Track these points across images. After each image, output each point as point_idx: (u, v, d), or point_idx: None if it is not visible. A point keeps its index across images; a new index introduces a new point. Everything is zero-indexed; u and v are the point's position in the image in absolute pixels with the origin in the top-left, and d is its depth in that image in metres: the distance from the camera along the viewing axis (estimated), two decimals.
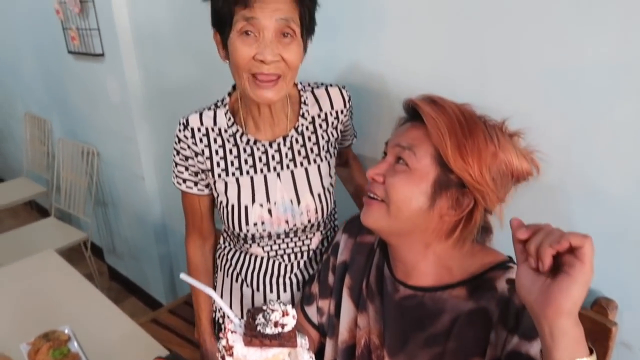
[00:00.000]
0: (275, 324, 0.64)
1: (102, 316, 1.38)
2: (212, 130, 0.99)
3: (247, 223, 0.99)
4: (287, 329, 0.65)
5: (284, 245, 1.05)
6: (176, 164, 1.03)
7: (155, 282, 2.54)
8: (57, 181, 2.82)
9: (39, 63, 2.78)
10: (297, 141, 1.00)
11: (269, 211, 0.99)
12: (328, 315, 0.98)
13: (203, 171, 1.01)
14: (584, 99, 0.85)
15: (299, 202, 1.00)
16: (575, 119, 0.87)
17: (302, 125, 1.00)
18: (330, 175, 1.04)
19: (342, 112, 1.03)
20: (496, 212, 0.78)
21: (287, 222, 1.00)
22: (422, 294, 0.81)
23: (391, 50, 1.12)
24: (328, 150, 1.03)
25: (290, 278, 1.08)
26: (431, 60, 1.05)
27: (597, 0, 0.79)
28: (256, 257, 1.08)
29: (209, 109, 1.00)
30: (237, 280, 1.12)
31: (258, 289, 1.09)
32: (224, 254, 1.16)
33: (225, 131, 0.99)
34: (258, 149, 0.99)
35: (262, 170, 0.99)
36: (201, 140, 0.98)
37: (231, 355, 0.65)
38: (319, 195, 1.01)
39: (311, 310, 1.01)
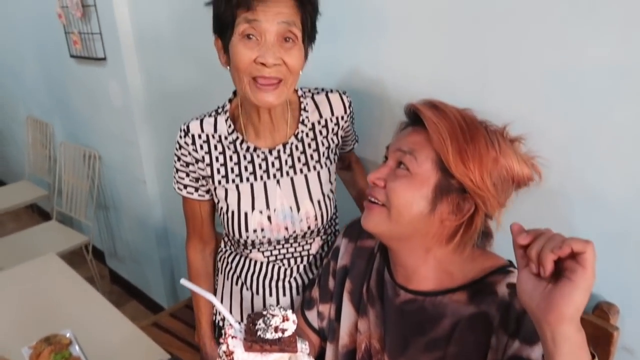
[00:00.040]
0: (276, 329, 0.64)
1: (103, 320, 1.38)
2: (213, 137, 0.99)
3: (246, 230, 1.00)
4: (287, 334, 0.65)
5: (283, 251, 1.06)
6: (177, 170, 1.03)
7: (157, 286, 2.54)
8: (59, 184, 2.82)
9: (41, 67, 2.79)
10: (296, 148, 1.00)
11: (269, 218, 0.99)
12: (328, 320, 0.98)
13: (204, 177, 1.01)
14: (584, 101, 0.85)
15: (298, 209, 1.00)
16: (575, 121, 0.87)
17: (302, 131, 1.00)
18: (330, 182, 1.04)
19: (342, 118, 1.03)
20: (495, 216, 0.78)
21: (286, 228, 1.00)
22: (422, 298, 0.81)
23: (392, 54, 1.12)
24: (328, 157, 1.03)
25: (289, 282, 1.08)
26: (432, 64, 1.05)
27: (597, 4, 0.79)
28: (256, 261, 1.08)
29: (210, 115, 1.00)
30: (237, 284, 1.12)
31: (257, 293, 1.09)
32: (224, 257, 1.16)
33: (226, 138, 0.99)
34: (258, 156, 0.99)
35: (261, 177, 0.99)
36: (202, 147, 0.99)
37: None
38: (319, 202, 1.01)
39: (312, 315, 1.00)
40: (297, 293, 1.09)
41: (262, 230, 1.00)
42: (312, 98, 1.02)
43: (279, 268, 1.07)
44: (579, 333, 0.56)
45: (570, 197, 0.92)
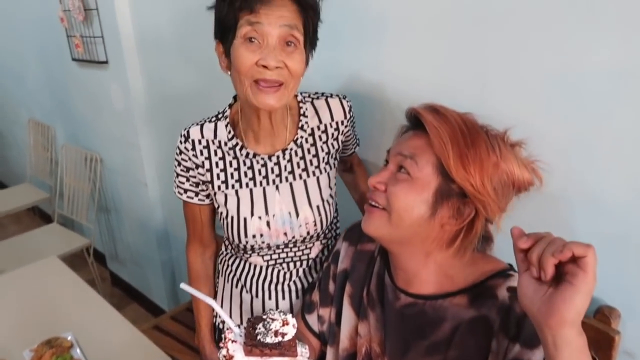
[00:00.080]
0: (276, 333, 0.65)
1: (104, 323, 1.38)
2: (213, 142, 0.99)
3: (245, 235, 1.00)
4: (287, 338, 0.65)
5: (283, 255, 1.06)
6: (177, 175, 1.04)
7: (157, 289, 2.54)
8: (60, 187, 2.83)
9: (43, 70, 2.80)
10: (296, 154, 1.00)
11: (267, 224, 0.99)
12: (329, 324, 0.98)
13: (204, 182, 1.02)
14: (585, 105, 0.85)
15: (297, 215, 1.00)
16: (576, 125, 0.88)
17: (302, 137, 1.00)
18: (329, 187, 1.04)
19: (342, 122, 1.03)
20: (496, 221, 0.78)
21: (285, 234, 1.01)
22: (422, 302, 0.81)
23: (393, 58, 1.12)
24: (328, 162, 1.03)
25: (289, 285, 1.09)
26: (432, 68, 1.06)
27: (597, 7, 0.79)
28: (256, 265, 1.08)
29: (210, 121, 1.00)
30: (237, 286, 1.13)
31: (257, 296, 1.09)
32: (225, 260, 1.16)
33: (225, 144, 0.99)
34: (257, 162, 0.99)
35: (261, 183, 0.99)
36: (202, 153, 0.99)
37: None
38: (318, 208, 1.01)
39: (312, 319, 1.00)
40: (297, 297, 1.09)
41: (261, 235, 1.00)
42: (312, 103, 1.02)
43: (279, 272, 1.08)
44: (580, 337, 0.56)
45: (571, 200, 0.92)
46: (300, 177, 1.00)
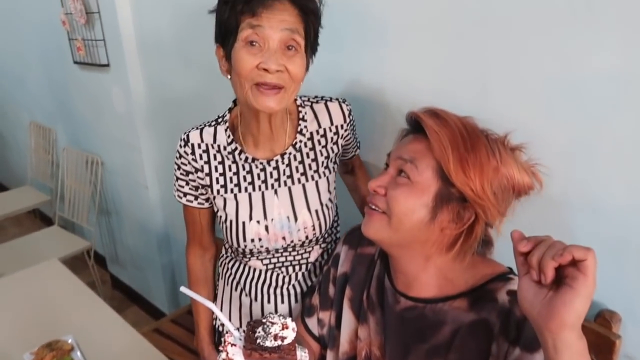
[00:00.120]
0: (275, 337, 0.64)
1: (105, 326, 1.38)
2: (212, 146, 0.99)
3: (244, 239, 1.00)
4: (286, 341, 0.65)
5: (282, 259, 1.06)
6: (177, 178, 1.04)
7: (158, 291, 2.54)
8: (61, 190, 2.83)
9: (45, 73, 2.81)
10: (295, 158, 1.00)
11: (266, 228, 0.99)
12: (329, 327, 0.98)
13: (203, 186, 1.02)
14: (585, 109, 0.86)
15: (296, 219, 1.00)
16: (576, 129, 0.88)
17: (300, 141, 1.00)
18: (329, 191, 1.03)
19: (342, 126, 1.03)
20: (496, 225, 0.78)
21: (284, 238, 1.01)
22: (422, 305, 0.81)
23: (394, 62, 1.13)
24: (327, 166, 1.03)
25: (288, 289, 1.09)
26: (433, 71, 1.06)
27: (598, 11, 0.80)
28: (255, 268, 1.08)
29: (210, 125, 1.01)
30: (236, 289, 1.13)
31: (256, 299, 1.09)
32: (225, 263, 1.17)
33: (225, 148, 0.99)
34: (256, 166, 0.99)
35: (259, 188, 0.99)
36: (201, 157, 0.99)
37: None
38: (317, 212, 1.01)
39: (312, 322, 1.00)
40: (296, 300, 1.09)
41: (260, 239, 1.00)
42: (311, 107, 1.02)
43: (278, 275, 1.07)
44: (580, 340, 0.56)
45: (572, 204, 0.92)
46: (299, 181, 1.00)
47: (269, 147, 0.99)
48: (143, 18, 1.92)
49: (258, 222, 0.99)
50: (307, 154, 1.01)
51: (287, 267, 1.07)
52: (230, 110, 1.02)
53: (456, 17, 0.98)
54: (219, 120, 1.01)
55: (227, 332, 0.71)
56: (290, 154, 0.99)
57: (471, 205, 0.73)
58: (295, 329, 0.67)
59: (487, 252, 0.83)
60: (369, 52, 1.17)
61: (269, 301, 1.09)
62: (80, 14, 2.08)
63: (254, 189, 0.99)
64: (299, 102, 1.01)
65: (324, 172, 1.02)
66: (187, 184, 1.03)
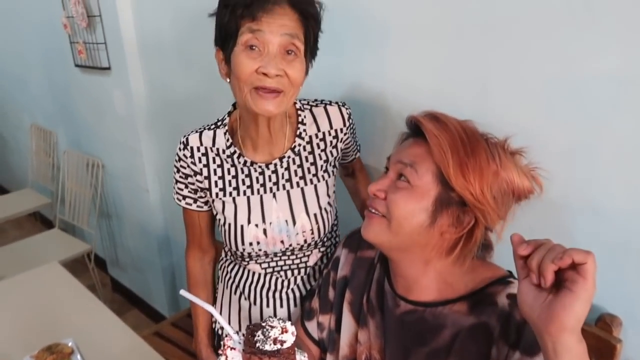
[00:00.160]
0: (275, 341, 0.64)
1: (105, 329, 1.38)
2: (211, 150, 1.00)
3: (242, 242, 1.00)
4: (286, 345, 0.65)
5: (281, 263, 1.06)
6: (176, 181, 1.04)
7: (158, 294, 2.53)
8: (62, 193, 2.83)
9: (46, 76, 2.82)
10: (293, 162, 1.00)
11: (264, 231, 0.99)
12: (328, 331, 0.97)
13: (202, 189, 1.02)
14: (586, 112, 0.86)
15: (294, 223, 1.00)
16: (577, 132, 0.88)
17: (299, 145, 1.00)
18: (328, 195, 1.03)
19: (341, 130, 1.02)
20: (496, 229, 0.78)
21: (282, 242, 1.01)
22: (422, 309, 0.81)
23: (394, 65, 1.13)
24: (326, 170, 1.03)
25: (287, 293, 1.08)
26: (434, 75, 1.06)
27: (599, 14, 0.80)
28: (254, 272, 1.08)
29: (209, 128, 1.01)
30: (235, 293, 1.13)
31: (255, 303, 1.09)
32: (224, 266, 1.17)
33: (224, 152, 0.99)
34: (255, 170, 0.99)
35: (258, 191, 0.99)
36: (200, 160, 0.99)
37: None
38: (315, 216, 1.01)
39: (312, 326, 1.00)
40: (295, 305, 1.09)
41: (258, 243, 1.00)
42: (311, 111, 1.02)
43: (277, 279, 1.07)
44: (580, 344, 0.56)
45: (572, 207, 0.92)
46: (298, 185, 1.00)
47: (267, 150, 0.99)
48: (144, 21, 1.92)
49: (256, 225, 0.99)
50: (306, 158, 1.01)
51: (285, 271, 1.07)
52: (229, 113, 1.02)
53: (456, 21, 0.98)
54: (219, 123, 1.01)
55: (226, 336, 0.71)
56: (289, 157, 0.99)
57: (471, 210, 0.73)
58: (295, 333, 0.67)
59: (487, 256, 0.83)
60: (370, 56, 1.17)
61: (268, 305, 1.09)
62: (81, 17, 2.09)
63: (252, 193, 0.99)
64: (298, 105, 1.01)
65: (322, 176, 1.02)
66: (186, 187, 1.03)
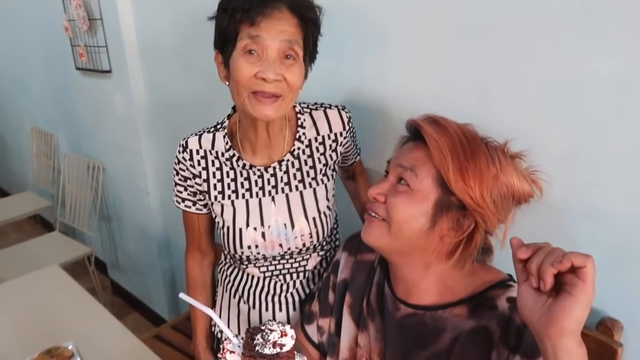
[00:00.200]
0: (274, 345, 0.64)
1: (105, 332, 1.37)
2: (210, 153, 1.00)
3: (241, 246, 1.00)
4: (285, 349, 0.65)
5: (279, 266, 1.05)
6: (176, 184, 1.04)
7: (158, 297, 2.53)
8: (62, 195, 2.84)
9: (47, 78, 2.82)
10: (292, 165, 1.00)
11: (263, 235, 0.99)
12: (328, 334, 0.97)
13: (201, 192, 1.02)
14: (586, 116, 0.86)
15: (292, 226, 0.99)
16: (577, 136, 0.88)
17: (298, 148, 1.00)
18: (327, 199, 1.03)
19: (341, 134, 1.02)
20: (496, 233, 0.78)
21: (280, 245, 1.00)
22: (422, 312, 0.81)
23: (395, 69, 1.13)
24: (325, 174, 1.03)
25: (286, 297, 1.08)
26: (434, 79, 1.06)
27: (599, 18, 0.80)
28: (253, 275, 1.08)
29: (209, 131, 1.01)
30: (234, 297, 1.13)
31: (254, 307, 1.09)
32: (224, 270, 1.17)
33: (223, 155, 0.99)
34: (254, 173, 0.99)
35: (257, 194, 0.99)
36: (199, 163, 0.99)
37: None
38: (314, 219, 1.00)
39: (311, 329, 1.00)
40: (294, 309, 1.09)
41: (256, 246, 1.00)
42: (310, 114, 1.02)
43: (276, 283, 1.07)
44: (579, 347, 0.56)
45: (572, 211, 0.92)
46: (297, 188, 1.00)
47: (266, 154, 0.99)
48: (145, 24, 1.93)
49: (255, 229, 0.99)
50: (305, 161, 1.01)
51: (284, 274, 1.06)
52: (229, 116, 1.02)
53: (457, 25, 0.99)
54: (218, 126, 1.01)
55: (225, 339, 0.70)
56: (288, 161, 0.99)
57: (471, 214, 0.73)
58: (294, 337, 0.67)
59: (487, 259, 0.83)
60: (370, 59, 1.17)
61: (266, 309, 1.09)
62: (83, 20, 2.09)
63: (251, 196, 0.99)
64: (298, 108, 1.01)
65: (322, 180, 1.02)
66: (186, 189, 1.03)
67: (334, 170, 1.05)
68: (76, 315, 1.45)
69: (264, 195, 0.99)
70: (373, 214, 0.80)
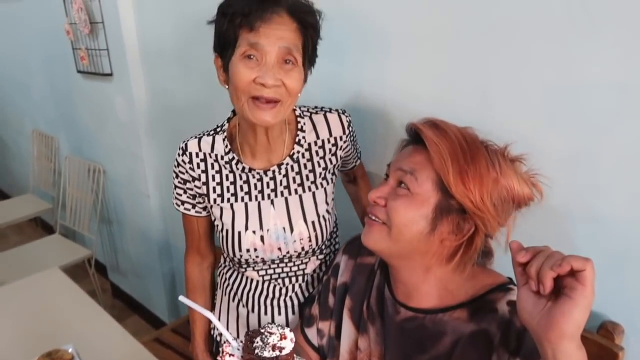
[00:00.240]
0: (273, 347, 0.64)
1: (105, 335, 1.37)
2: (210, 156, 1.00)
3: (240, 249, 1.00)
4: (285, 352, 0.65)
5: (278, 270, 1.05)
6: (175, 186, 1.04)
7: (158, 300, 2.53)
8: (63, 198, 2.84)
9: (48, 81, 2.83)
10: (292, 168, 1.00)
11: (262, 238, 0.99)
12: (328, 337, 0.97)
13: (200, 195, 1.02)
14: (586, 119, 0.86)
15: (291, 230, 0.99)
16: (577, 139, 0.88)
17: (298, 152, 1.00)
18: (326, 202, 1.03)
19: (341, 138, 1.02)
20: (497, 237, 0.78)
21: (279, 249, 1.00)
22: (423, 316, 0.80)
23: (395, 72, 1.13)
24: (325, 178, 1.03)
25: (285, 301, 1.08)
26: (434, 82, 1.06)
27: (599, 21, 0.80)
28: (252, 279, 1.08)
29: (208, 134, 1.01)
30: (233, 300, 1.12)
31: (253, 310, 1.09)
32: (223, 273, 1.17)
33: (222, 158, 1.00)
34: (253, 176, 0.99)
35: (256, 198, 0.99)
36: (198, 166, 0.99)
37: None
38: (313, 223, 1.00)
39: (311, 332, 1.00)
40: (293, 312, 1.09)
41: (255, 250, 1.00)
42: (310, 118, 1.01)
43: (275, 287, 1.07)
44: (579, 350, 0.56)
45: (573, 215, 0.92)
46: (296, 192, 1.00)
47: (266, 157, 0.99)
48: (146, 28, 1.93)
49: (254, 232, 0.99)
50: (305, 165, 1.01)
51: (283, 278, 1.06)
52: (229, 119, 1.02)
53: (457, 28, 0.99)
54: (218, 129, 1.02)
55: (225, 342, 0.70)
56: (287, 164, 0.99)
57: (471, 217, 0.73)
58: (294, 340, 0.67)
59: (487, 263, 0.83)
60: (370, 63, 1.17)
61: (265, 312, 1.09)
62: (84, 24, 2.10)
63: (250, 199, 0.99)
64: (298, 112, 1.01)
65: (321, 183, 1.02)
66: (185, 192, 1.03)
67: (333, 174, 1.05)
68: (76, 318, 1.45)
69: (263, 198, 0.99)
70: (373, 218, 0.80)
